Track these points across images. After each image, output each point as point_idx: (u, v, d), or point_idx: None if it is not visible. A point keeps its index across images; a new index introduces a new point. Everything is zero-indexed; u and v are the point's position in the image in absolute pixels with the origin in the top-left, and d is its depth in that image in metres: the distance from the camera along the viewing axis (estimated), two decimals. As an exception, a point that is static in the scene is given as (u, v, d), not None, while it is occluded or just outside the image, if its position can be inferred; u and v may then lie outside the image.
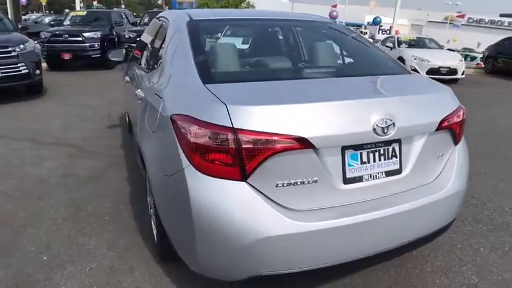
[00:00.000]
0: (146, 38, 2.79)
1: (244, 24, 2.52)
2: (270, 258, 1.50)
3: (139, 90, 2.37)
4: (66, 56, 9.77)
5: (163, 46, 2.36)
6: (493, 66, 13.65)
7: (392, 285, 2.13)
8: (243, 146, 1.42)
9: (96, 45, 10.01)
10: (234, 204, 1.46)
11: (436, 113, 1.77)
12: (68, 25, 11.04)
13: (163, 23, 2.67)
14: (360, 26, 44.48)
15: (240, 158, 1.43)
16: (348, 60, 2.29)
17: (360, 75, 2.02)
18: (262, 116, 1.44)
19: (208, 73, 1.79)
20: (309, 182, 1.53)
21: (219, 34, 2.29)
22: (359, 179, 1.64)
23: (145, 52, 2.90)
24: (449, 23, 35.85)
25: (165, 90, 1.88)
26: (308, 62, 2.27)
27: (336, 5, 36.25)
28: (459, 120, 1.86)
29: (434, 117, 1.75)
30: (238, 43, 2.30)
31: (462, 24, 36.73)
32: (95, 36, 10.01)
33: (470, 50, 27.39)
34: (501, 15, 52.36)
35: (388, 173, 1.71)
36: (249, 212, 1.46)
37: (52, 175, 3.48)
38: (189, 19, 2.27)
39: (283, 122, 1.44)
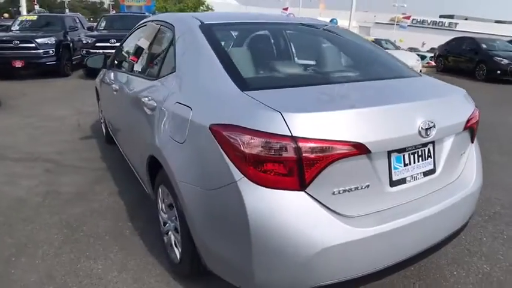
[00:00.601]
0: (142, 43, 2.62)
1: (258, 28, 2.46)
2: (331, 267, 1.46)
3: (146, 98, 2.21)
4: (18, 64, 9.06)
5: (170, 52, 2.24)
6: (444, 64, 14.62)
7: (416, 281, 2.18)
8: (304, 154, 1.36)
9: (51, 52, 9.38)
10: (294, 215, 1.40)
11: (463, 114, 1.84)
12: (17, 30, 10.24)
13: (164, 27, 2.54)
14: None
15: (299, 167, 1.38)
16: (364, 63, 2.31)
17: (383, 79, 2.04)
18: (320, 123, 1.40)
19: (242, 79, 1.70)
20: (362, 188, 1.52)
21: (237, 38, 2.20)
22: (403, 181, 1.65)
23: (142, 58, 2.73)
24: (396, 24, 37.87)
25: (195, 99, 1.76)
26: (332, 66, 2.25)
27: (287, 8, 37.09)
28: (476, 120, 1.94)
29: (462, 118, 1.82)
30: (260, 47, 2.23)
31: (408, 25, 38.95)
32: (49, 42, 9.38)
33: (416, 50, 29.12)
34: (441, 16, 56.46)
35: (425, 173, 1.74)
36: (309, 223, 1.41)
37: (32, 194, 3.17)
38: (200, 23, 2.16)
39: (339, 128, 1.42)
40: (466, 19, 54.33)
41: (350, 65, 2.20)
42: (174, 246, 2.10)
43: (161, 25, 2.61)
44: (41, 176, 3.57)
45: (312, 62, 2.19)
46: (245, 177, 1.41)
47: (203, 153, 1.60)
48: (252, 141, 1.39)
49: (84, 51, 9.42)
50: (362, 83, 1.94)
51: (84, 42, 9.91)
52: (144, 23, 3.08)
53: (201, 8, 14.36)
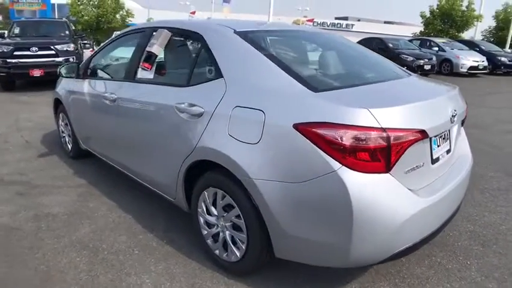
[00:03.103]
0: (155, 50, 2.54)
1: (287, 34, 2.60)
2: (408, 233, 1.75)
3: (182, 105, 2.21)
4: None
5: (203, 59, 2.31)
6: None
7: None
8: (392, 142, 1.63)
9: None
10: (384, 194, 1.66)
11: (464, 104, 2.31)
12: None
13: (184, 34, 2.60)
14: None
15: (388, 153, 1.64)
16: (376, 65, 2.61)
17: (399, 78, 2.37)
18: (397, 115, 1.69)
19: (307, 82, 1.86)
20: (419, 166, 1.84)
21: (273, 44, 2.29)
22: (437, 159, 2.01)
23: (159, 65, 2.67)
24: None
25: (265, 103, 1.86)
26: (358, 69, 2.51)
27: (194, 12, 36.99)
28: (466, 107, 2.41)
29: (465, 106, 2.30)
30: (299, 52, 2.36)
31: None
32: None
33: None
34: (336, 18, 61.52)
35: (447, 152, 2.13)
36: (395, 198, 1.68)
37: (20, 220, 2.85)
38: (233, 30, 2.26)
39: (410, 118, 1.72)
40: (358, 20, 59.84)
41: (368, 68, 2.51)
42: (231, 245, 2.16)
43: (179, 32, 2.61)
44: (16, 200, 3.20)
45: (343, 66, 2.43)
46: (343, 166, 1.62)
47: (287, 150, 1.75)
48: (348, 134, 1.60)
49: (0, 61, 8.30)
50: (391, 82, 2.25)
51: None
52: (142, 29, 2.97)
53: (121, 12, 13.60)
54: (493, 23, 26.28)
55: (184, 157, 2.27)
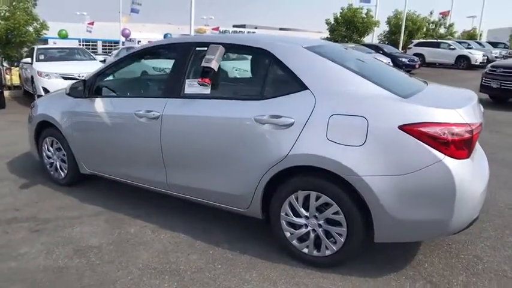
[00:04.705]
0: (214, 65, 2.51)
1: (338, 49, 2.91)
2: (478, 206, 2.21)
3: (264, 117, 2.34)
4: None
5: (276, 73, 2.50)
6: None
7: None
8: (474, 133, 2.08)
9: None
10: (470, 174, 2.11)
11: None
12: None
13: (245, 50, 2.81)
14: (117, 42, 43.43)
15: (470, 142, 2.09)
16: (405, 77, 2.97)
17: (426, 86, 2.73)
18: (469, 113, 2.15)
19: (391, 90, 2.23)
20: (475, 151, 2.29)
21: (339, 58, 2.52)
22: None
23: (223, 81, 2.69)
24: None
25: (363, 110, 2.15)
26: (400, 79, 2.82)
27: (93, 23, 34.86)
28: None
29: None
30: (357, 65, 2.58)
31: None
32: None
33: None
34: (234, 26, 62.01)
35: None
36: (475, 178, 2.18)
37: (59, 258, 2.53)
38: (301, 45, 2.51)
39: (474, 115, 2.21)
40: (256, 28, 60.95)
41: (402, 79, 2.84)
42: (326, 240, 2.33)
43: (237, 48, 2.74)
44: (36, 238, 2.80)
45: (390, 77, 2.76)
46: (446, 156, 2.02)
47: (393, 147, 2.07)
48: (448, 130, 2.02)
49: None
50: (427, 88, 2.64)
51: None
52: (175, 44, 2.97)
53: (35, 24, 12.21)
54: (387, 28, 29.97)
55: (268, 166, 2.35)
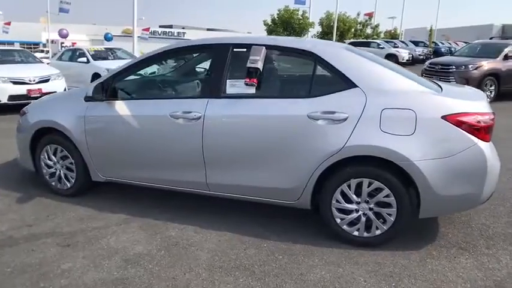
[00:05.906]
0: (259, 65, 2.58)
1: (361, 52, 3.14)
2: (495, 182, 2.59)
3: (317, 113, 2.55)
4: None
5: (321, 73, 2.70)
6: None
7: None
8: (494, 121, 2.53)
9: None
10: (493, 154, 2.53)
11: None
12: None
13: (290, 52, 2.90)
14: (37, 44, 39.90)
15: (492, 128, 2.51)
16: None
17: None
18: (486, 105, 2.60)
19: (426, 85, 2.67)
20: None
21: (371, 58, 2.89)
22: None
23: (276, 82, 2.99)
24: (138, 36, 38.49)
25: (410, 103, 2.46)
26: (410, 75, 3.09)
27: (10, 23, 31.91)
28: None
29: None
30: (380, 62, 2.92)
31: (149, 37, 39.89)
32: None
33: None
34: (160, 26, 58.50)
35: None
36: (495, 157, 2.58)
37: (111, 270, 2.42)
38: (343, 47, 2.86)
39: (488, 107, 2.61)
40: (183, 28, 58.40)
41: (418, 78, 3.15)
42: (377, 221, 2.60)
43: (280, 50, 2.89)
44: (71, 253, 2.62)
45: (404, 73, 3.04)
46: (479, 140, 2.43)
47: (438, 135, 2.42)
48: (480, 118, 2.45)
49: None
50: (445, 87, 2.99)
51: None
52: (209, 46, 3.04)
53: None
54: (320, 29, 31.66)
55: (323, 159, 2.53)
